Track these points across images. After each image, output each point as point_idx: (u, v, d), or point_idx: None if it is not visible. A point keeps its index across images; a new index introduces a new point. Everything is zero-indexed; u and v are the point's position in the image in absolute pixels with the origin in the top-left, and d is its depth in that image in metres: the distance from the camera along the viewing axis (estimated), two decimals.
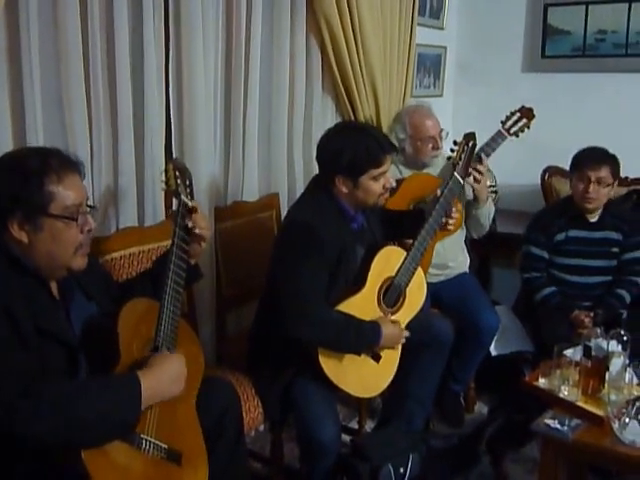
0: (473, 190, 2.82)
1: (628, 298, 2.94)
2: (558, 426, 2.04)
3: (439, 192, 2.44)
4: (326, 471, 2.21)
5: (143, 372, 1.56)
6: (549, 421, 2.06)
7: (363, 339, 2.20)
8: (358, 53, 3.09)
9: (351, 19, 2.99)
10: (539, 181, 3.82)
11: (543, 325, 2.92)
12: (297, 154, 3.10)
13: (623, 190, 3.45)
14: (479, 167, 2.72)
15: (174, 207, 1.89)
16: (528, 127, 2.84)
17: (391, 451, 2.27)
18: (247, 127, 2.79)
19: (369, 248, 2.32)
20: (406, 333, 2.31)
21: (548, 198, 3.77)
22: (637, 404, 2.00)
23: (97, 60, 2.18)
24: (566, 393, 2.16)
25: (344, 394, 2.27)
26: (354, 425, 2.98)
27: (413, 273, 2.36)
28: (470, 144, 2.52)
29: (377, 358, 2.29)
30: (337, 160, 2.18)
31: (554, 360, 2.23)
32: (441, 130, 2.99)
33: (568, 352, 2.26)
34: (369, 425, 2.94)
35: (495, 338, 2.98)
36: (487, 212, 2.96)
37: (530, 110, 2.83)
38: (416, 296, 2.41)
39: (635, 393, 2.12)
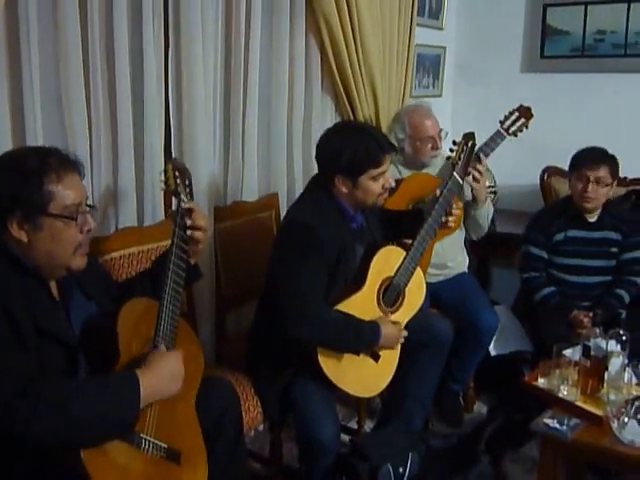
0: (472, 190, 2.82)
1: (627, 298, 2.94)
2: (557, 426, 2.04)
3: (438, 192, 2.44)
4: (325, 471, 2.21)
5: (142, 370, 1.56)
6: (548, 421, 2.07)
7: (362, 339, 2.20)
8: (357, 53, 3.09)
9: (350, 19, 2.99)
10: (538, 181, 3.83)
11: (542, 325, 2.93)
12: (297, 154, 3.11)
13: (622, 190, 3.45)
14: (478, 167, 2.73)
15: (173, 207, 1.89)
16: (527, 126, 2.84)
17: (390, 451, 2.27)
18: (246, 127, 2.79)
19: (368, 248, 2.32)
20: (405, 333, 2.31)
21: (547, 198, 3.78)
22: (636, 404, 2.00)
23: (96, 60, 2.18)
24: (565, 393, 2.17)
25: (343, 394, 2.27)
26: (353, 425, 2.98)
27: (412, 273, 2.36)
28: (469, 144, 2.52)
29: (376, 358, 2.30)
30: (336, 160, 2.18)
31: (553, 360, 2.23)
32: (440, 130, 2.99)
33: (567, 352, 2.27)
34: (368, 425, 2.94)
35: (494, 338, 2.98)
36: (486, 213, 2.96)
37: (528, 109, 2.83)
38: (415, 296, 2.41)
39: (634, 393, 2.12)
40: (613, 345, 2.18)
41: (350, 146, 2.17)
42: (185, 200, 1.85)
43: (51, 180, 1.53)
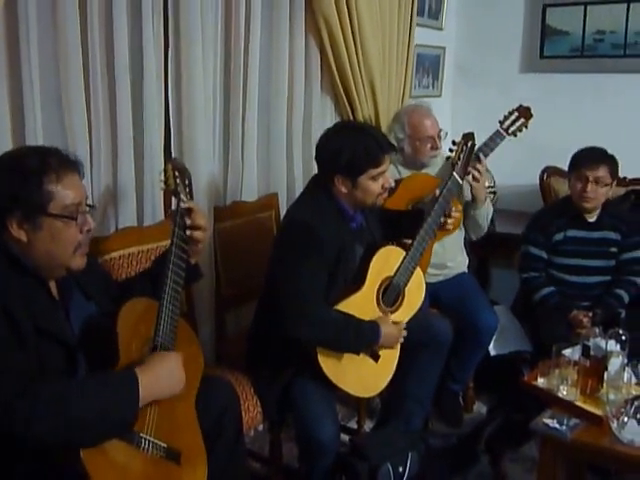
0: (471, 190, 2.83)
1: (627, 298, 2.95)
2: (557, 425, 2.04)
3: (438, 192, 2.45)
4: (325, 470, 2.21)
5: (141, 369, 1.56)
6: (548, 420, 2.07)
7: (362, 338, 2.20)
8: (357, 53, 3.09)
9: (350, 19, 3.00)
10: (538, 181, 3.83)
11: (542, 325, 2.93)
12: (296, 154, 3.11)
13: (621, 190, 3.46)
14: (478, 167, 2.73)
15: (173, 207, 1.89)
16: (526, 126, 2.84)
17: (390, 450, 2.27)
18: (246, 127, 2.79)
19: (368, 248, 2.32)
20: (404, 332, 2.31)
21: (547, 198, 3.78)
22: (635, 403, 2.00)
23: (96, 61, 2.18)
24: (565, 393, 2.17)
25: (343, 394, 2.27)
26: (353, 425, 2.98)
27: (412, 273, 2.36)
28: (469, 144, 2.53)
29: (376, 358, 2.30)
30: (336, 160, 2.18)
31: (553, 360, 2.23)
32: (440, 130, 2.99)
33: (567, 352, 2.27)
34: (368, 425, 2.95)
35: (494, 338, 2.99)
36: (485, 213, 2.96)
37: (528, 109, 2.84)
38: (415, 296, 2.42)
39: (633, 392, 2.12)
40: (612, 345, 2.18)
41: (350, 146, 2.17)
42: (185, 200, 1.85)
43: (51, 180, 1.53)
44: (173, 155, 2.50)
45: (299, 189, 2.91)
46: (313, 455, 2.21)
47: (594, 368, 2.16)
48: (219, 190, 2.78)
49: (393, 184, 2.35)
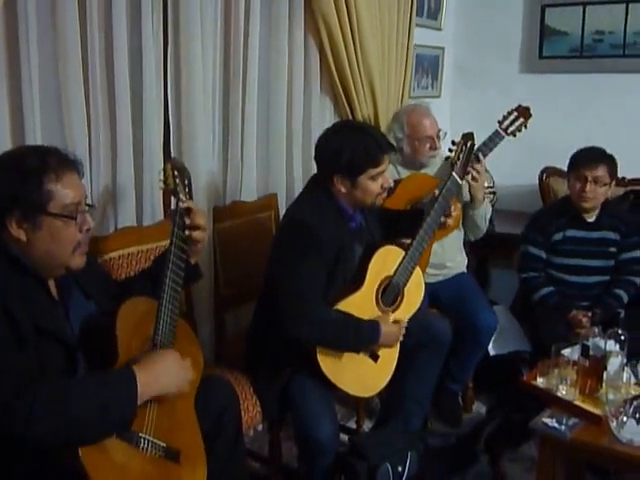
0: (470, 190, 2.83)
1: (626, 298, 2.95)
2: (556, 425, 2.04)
3: (437, 192, 2.45)
4: (324, 470, 2.21)
5: (139, 367, 1.56)
6: (547, 420, 2.07)
7: (362, 337, 2.20)
8: (356, 53, 3.10)
9: (349, 19, 3.00)
10: (537, 181, 3.83)
11: (541, 325, 2.93)
12: (296, 154, 3.11)
13: (620, 190, 3.46)
14: (477, 167, 2.73)
15: (172, 206, 1.89)
16: (525, 126, 2.84)
17: (389, 450, 2.27)
18: (245, 127, 2.79)
19: (367, 247, 2.32)
20: (404, 331, 2.32)
21: (546, 198, 3.78)
22: (635, 403, 2.00)
23: (95, 59, 2.18)
24: (564, 392, 2.16)
25: (342, 393, 2.27)
26: (352, 425, 2.98)
27: (411, 272, 2.36)
28: (468, 144, 2.53)
29: (375, 358, 2.30)
30: (335, 160, 2.18)
31: (552, 359, 2.23)
32: (439, 130, 2.99)
33: (566, 351, 2.27)
34: (367, 425, 2.94)
35: (493, 338, 2.99)
36: (484, 213, 2.97)
37: (527, 109, 2.83)
38: (414, 295, 2.42)
39: (633, 392, 2.12)
40: (612, 345, 2.18)
41: (349, 146, 2.17)
42: (184, 200, 1.85)
43: (50, 179, 1.53)
44: (172, 155, 2.50)
45: (298, 189, 2.90)
46: (312, 454, 2.21)
47: (593, 368, 2.16)
48: (218, 190, 2.78)
49: (392, 184, 2.35)
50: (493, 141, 2.80)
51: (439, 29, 4.08)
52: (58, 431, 1.42)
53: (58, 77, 2.11)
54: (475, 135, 2.58)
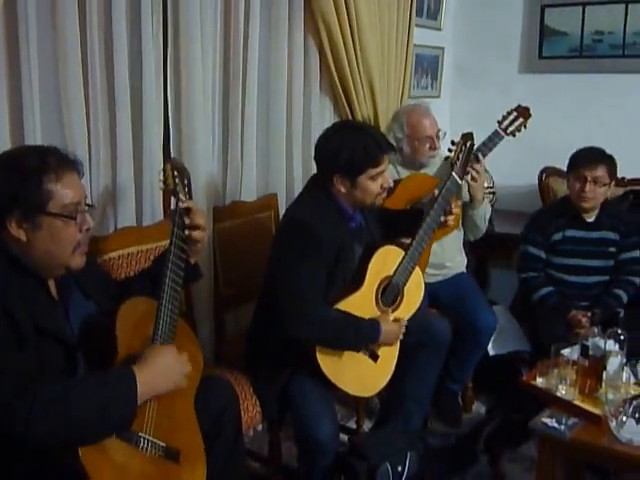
0: (469, 190, 2.83)
1: (625, 298, 2.95)
2: (555, 425, 2.04)
3: (437, 192, 2.45)
4: (324, 470, 2.21)
5: (138, 366, 1.56)
6: (546, 420, 2.07)
7: (362, 336, 2.21)
8: (356, 53, 3.10)
9: (349, 19, 3.00)
10: (536, 181, 3.83)
11: (540, 325, 2.93)
12: (296, 154, 3.11)
13: (620, 191, 3.47)
14: (476, 167, 2.73)
15: (172, 206, 1.89)
16: (525, 126, 2.84)
17: (389, 450, 2.27)
18: (245, 127, 2.79)
19: (367, 247, 2.32)
20: (404, 329, 2.32)
21: (545, 198, 3.79)
22: (634, 403, 2.00)
23: (95, 60, 2.18)
24: (563, 392, 2.17)
25: (342, 393, 2.27)
26: (352, 425, 2.98)
27: (411, 272, 2.36)
28: (468, 144, 2.53)
29: (375, 357, 2.30)
30: (335, 160, 2.18)
31: (551, 359, 2.23)
32: (438, 130, 3.00)
33: (565, 351, 2.27)
34: (367, 425, 2.94)
35: (492, 338, 2.99)
36: (483, 213, 2.97)
37: (526, 109, 2.83)
38: (414, 295, 2.42)
39: (632, 392, 2.12)
40: (611, 344, 2.18)
41: (349, 146, 2.17)
42: (184, 199, 1.85)
43: (50, 179, 1.53)
44: (172, 155, 2.50)
45: (298, 189, 2.90)
46: (312, 454, 2.21)
47: (593, 368, 2.16)
48: (218, 190, 2.78)
49: (392, 184, 2.35)
50: (492, 141, 2.80)
51: (439, 29, 4.08)
52: (58, 431, 1.42)
53: (58, 77, 2.11)
54: (475, 135, 2.58)
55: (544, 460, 2.13)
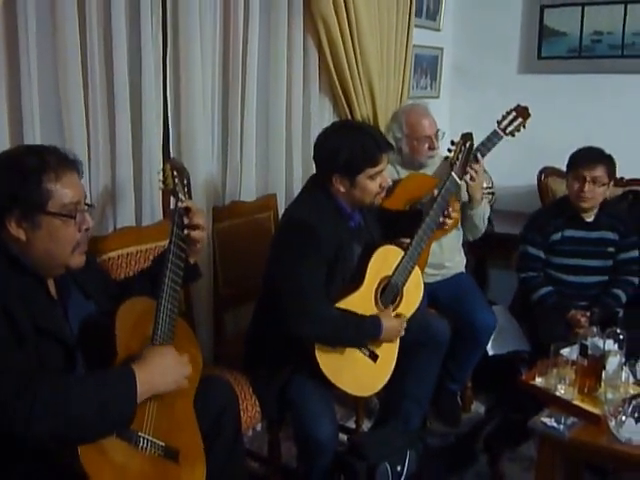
0: (467, 190, 2.83)
1: (624, 298, 2.95)
2: (555, 424, 2.04)
3: (436, 192, 2.45)
4: (323, 470, 2.21)
5: (137, 365, 1.56)
6: (546, 419, 2.07)
7: (364, 333, 2.22)
8: (355, 54, 3.10)
9: (348, 19, 3.00)
10: (535, 182, 3.84)
11: (540, 325, 2.93)
12: (295, 155, 3.11)
13: (619, 190, 3.47)
14: (475, 167, 2.73)
15: (172, 206, 1.89)
16: (524, 126, 2.83)
17: (388, 450, 2.27)
18: (245, 127, 2.79)
19: (366, 247, 2.32)
20: (405, 325, 2.32)
21: (544, 199, 3.79)
22: (633, 402, 2.01)
23: (95, 60, 2.18)
24: (563, 392, 2.17)
25: (341, 393, 2.27)
26: (351, 425, 2.98)
27: (410, 272, 2.37)
28: (467, 144, 2.53)
29: (374, 357, 2.30)
30: (334, 159, 2.18)
31: (551, 359, 2.23)
32: (437, 130, 3.00)
33: (565, 351, 2.27)
34: (366, 425, 2.95)
35: (492, 338, 2.99)
36: (482, 212, 2.97)
37: (526, 109, 2.83)
38: (413, 295, 2.42)
39: (631, 391, 2.13)
40: (610, 344, 2.18)
41: (347, 145, 2.17)
42: (183, 199, 1.85)
43: (49, 179, 1.53)
44: (171, 155, 2.50)
45: (298, 189, 2.89)
46: (311, 454, 2.21)
47: (592, 367, 2.17)
48: (218, 190, 2.78)
49: (391, 183, 2.35)
50: (491, 141, 2.80)
51: (438, 30, 4.09)
52: (58, 430, 1.42)
53: (57, 77, 2.11)
54: (474, 135, 2.58)
55: (543, 460, 2.13)
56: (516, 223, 3.32)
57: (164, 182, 1.87)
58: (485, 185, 3.16)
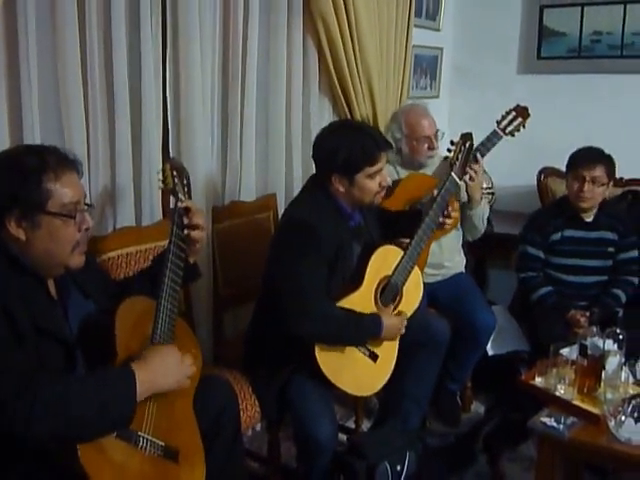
0: (467, 190, 2.83)
1: (624, 298, 2.95)
2: (554, 424, 2.04)
3: (436, 192, 2.45)
4: (323, 469, 2.21)
5: (137, 364, 1.56)
6: (545, 419, 2.07)
7: (364, 331, 2.22)
8: (355, 54, 3.10)
9: (348, 19, 3.00)
10: (535, 182, 3.84)
11: (539, 325, 2.93)
12: (295, 155, 3.11)
13: (618, 191, 3.47)
14: (474, 167, 2.73)
15: (171, 206, 1.89)
16: (524, 126, 2.83)
17: (388, 449, 2.27)
18: (244, 126, 2.79)
19: (366, 247, 2.32)
20: (405, 322, 2.32)
21: (544, 199, 3.79)
22: (633, 402, 2.01)
23: (94, 60, 2.18)
24: (562, 392, 2.17)
25: (341, 392, 2.27)
26: (351, 425, 2.98)
27: (410, 272, 2.37)
28: (467, 144, 2.53)
29: (374, 357, 2.30)
30: (333, 158, 2.18)
31: (550, 359, 2.23)
32: (437, 130, 3.00)
33: (564, 351, 2.27)
34: (366, 425, 2.95)
35: (491, 338, 2.99)
36: (481, 213, 2.97)
37: (525, 109, 2.83)
38: (413, 295, 2.42)
39: (631, 391, 2.13)
40: (610, 344, 2.18)
41: (346, 145, 2.18)
42: (182, 199, 1.85)
43: (49, 178, 1.53)
44: (171, 155, 2.50)
45: (297, 190, 2.89)
46: (311, 454, 2.21)
47: (591, 367, 2.17)
48: (217, 190, 2.78)
49: (390, 182, 2.35)
50: (491, 141, 2.80)
51: (437, 30, 4.09)
52: (58, 430, 1.42)
53: (57, 77, 2.11)
54: (473, 135, 2.58)
55: (543, 459, 2.13)
56: (516, 223, 3.32)
57: (164, 182, 1.87)
58: (485, 185, 3.16)
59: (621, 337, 2.20)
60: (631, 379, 2.18)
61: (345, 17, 2.99)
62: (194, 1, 2.44)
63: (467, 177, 2.70)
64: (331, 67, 3.09)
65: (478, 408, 3.20)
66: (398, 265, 2.34)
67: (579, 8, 3.87)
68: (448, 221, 2.47)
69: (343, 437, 2.67)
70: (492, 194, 3.75)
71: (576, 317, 2.86)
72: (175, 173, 1.87)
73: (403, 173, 3.01)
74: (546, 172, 3.80)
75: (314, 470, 2.23)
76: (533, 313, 3.01)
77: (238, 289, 2.67)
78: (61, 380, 1.50)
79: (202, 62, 2.52)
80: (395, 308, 2.35)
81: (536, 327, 2.96)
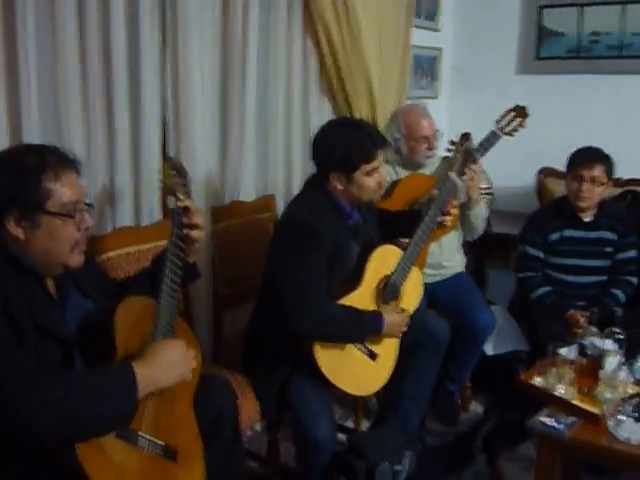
0: (465, 190, 2.83)
1: (623, 298, 2.95)
2: (554, 424, 2.04)
3: (435, 192, 2.45)
4: (322, 469, 2.21)
5: (137, 361, 1.56)
6: (545, 419, 2.07)
7: (365, 328, 2.22)
8: (354, 54, 3.10)
9: (347, 20, 3.00)
10: (534, 182, 3.84)
11: (538, 325, 2.93)
12: (295, 155, 3.11)
13: (617, 191, 3.47)
14: (473, 167, 2.73)
15: (171, 206, 1.89)
16: (522, 126, 2.83)
17: (387, 449, 2.27)
18: (244, 127, 2.79)
19: (365, 246, 2.33)
20: (407, 320, 2.32)
21: (543, 199, 3.79)
22: (632, 402, 2.01)
23: (93, 59, 2.18)
24: (561, 391, 2.16)
25: (340, 392, 2.27)
26: (350, 424, 2.98)
27: (409, 272, 2.37)
28: (466, 144, 2.53)
29: (374, 357, 2.30)
30: (330, 156, 2.19)
31: (549, 359, 2.23)
32: (436, 130, 3.00)
33: (563, 351, 2.27)
34: (365, 425, 2.95)
35: (491, 338, 2.99)
36: (480, 213, 2.97)
37: (524, 109, 2.83)
38: (412, 295, 2.42)
39: (630, 391, 2.13)
40: (609, 344, 2.19)
41: (343, 142, 2.18)
42: (182, 199, 1.85)
43: (49, 178, 1.53)
44: (170, 154, 2.50)
45: (297, 190, 2.89)
46: (310, 454, 2.21)
47: (591, 367, 2.17)
48: (217, 190, 2.78)
49: (388, 180, 2.35)
50: (490, 141, 2.80)
51: (437, 30, 4.09)
52: (59, 429, 1.43)
53: (56, 77, 2.11)
54: (472, 135, 2.58)
55: (543, 459, 2.13)
56: (515, 223, 3.32)
57: (163, 182, 1.87)
58: (483, 186, 3.16)
59: (620, 337, 2.20)
60: (630, 379, 2.18)
61: (345, 17, 2.99)
62: (194, 1, 2.44)
63: (466, 177, 2.70)
64: (331, 67, 3.08)
65: (477, 408, 3.20)
66: (397, 265, 2.34)
67: (578, 8, 3.88)
68: (447, 218, 2.47)
69: (342, 437, 2.67)
70: (490, 194, 3.75)
71: (575, 317, 2.86)
72: (174, 173, 1.86)
73: (402, 173, 3.01)
74: (545, 172, 3.81)
75: (313, 470, 2.23)
76: (532, 313, 3.01)
77: (238, 289, 2.67)
78: (61, 379, 1.49)
79: (201, 61, 2.52)
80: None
81: (535, 327, 2.96)
